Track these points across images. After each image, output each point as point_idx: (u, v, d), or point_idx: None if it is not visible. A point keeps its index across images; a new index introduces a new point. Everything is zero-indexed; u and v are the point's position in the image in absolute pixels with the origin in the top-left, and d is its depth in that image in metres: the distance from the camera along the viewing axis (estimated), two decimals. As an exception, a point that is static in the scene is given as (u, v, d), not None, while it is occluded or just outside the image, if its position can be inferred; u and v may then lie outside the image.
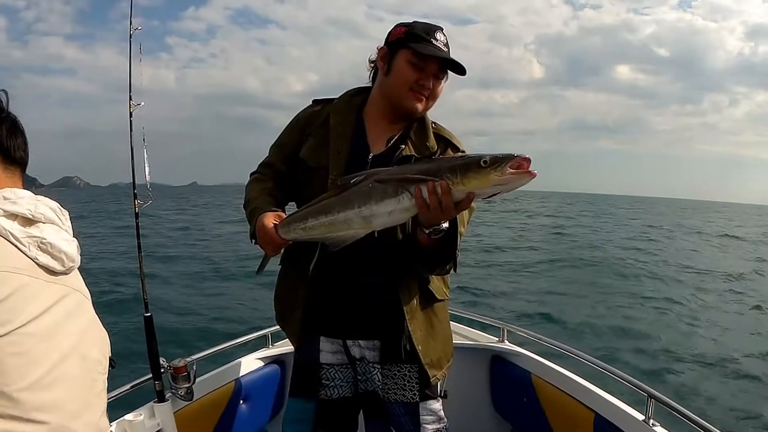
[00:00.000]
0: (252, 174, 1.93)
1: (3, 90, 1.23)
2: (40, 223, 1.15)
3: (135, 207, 2.01)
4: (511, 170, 1.34)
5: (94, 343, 1.25)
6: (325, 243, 1.60)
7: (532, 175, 1.35)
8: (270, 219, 1.69)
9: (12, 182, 1.21)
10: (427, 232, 1.53)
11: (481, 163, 1.36)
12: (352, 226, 1.53)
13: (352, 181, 1.54)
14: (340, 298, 1.78)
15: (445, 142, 1.82)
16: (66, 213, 1.25)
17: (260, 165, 1.93)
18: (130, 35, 1.93)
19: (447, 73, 1.76)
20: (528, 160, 1.35)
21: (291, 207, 1.87)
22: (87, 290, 1.30)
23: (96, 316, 1.30)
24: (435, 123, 1.85)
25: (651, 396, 2.01)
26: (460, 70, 1.72)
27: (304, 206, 1.68)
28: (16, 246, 1.09)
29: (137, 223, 2.03)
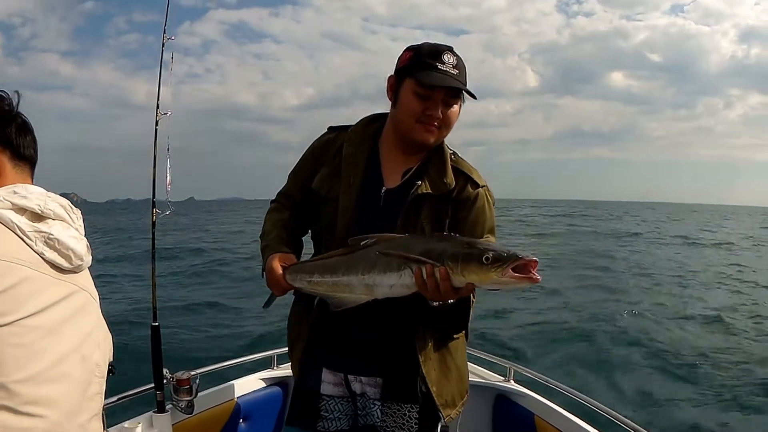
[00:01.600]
0: (272, 202, 1.92)
1: (16, 91, 1.27)
2: (50, 219, 1.16)
3: (152, 216, 2.03)
4: (513, 273, 1.32)
5: (97, 345, 1.25)
6: (326, 301, 1.61)
7: (534, 281, 1.32)
8: (278, 262, 1.68)
9: (22, 179, 1.24)
10: (433, 304, 1.52)
11: (483, 259, 1.35)
12: (355, 291, 1.54)
13: (362, 243, 1.54)
14: (342, 334, 1.75)
15: (465, 177, 1.72)
16: (78, 212, 1.27)
17: (278, 194, 1.91)
18: (163, 44, 1.97)
19: (460, 96, 1.68)
20: (533, 263, 1.32)
21: (307, 237, 1.88)
22: (95, 291, 1.31)
23: (102, 318, 1.31)
24: (454, 155, 1.76)
25: None
26: (468, 95, 1.66)
27: (314, 258, 1.69)
28: (22, 239, 1.11)
29: (153, 233, 2.05)
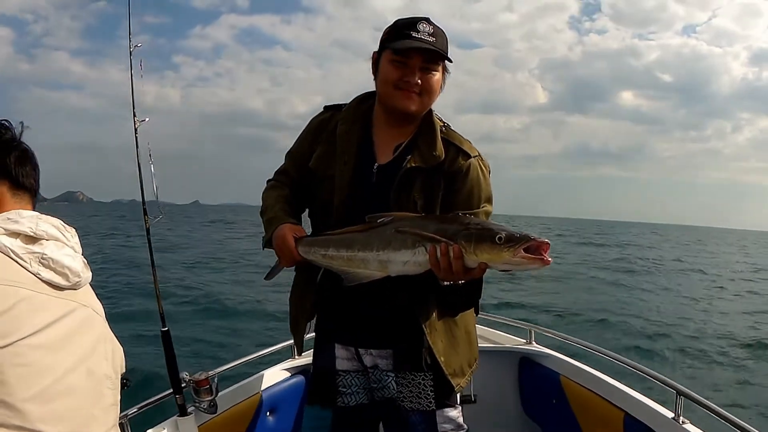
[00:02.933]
0: (268, 181, 1.93)
1: (20, 122, 1.30)
2: (43, 240, 1.17)
3: (145, 223, 2.02)
4: (525, 253, 1.34)
5: (105, 358, 1.26)
6: (340, 275, 1.62)
7: (546, 263, 1.34)
8: (289, 232, 1.69)
9: (20, 206, 1.25)
10: (444, 283, 1.54)
11: (496, 239, 1.37)
12: (369, 267, 1.57)
13: (378, 221, 1.57)
14: (350, 308, 1.76)
15: (455, 149, 1.72)
16: (72, 230, 1.28)
17: (276, 172, 1.92)
18: (131, 52, 1.95)
19: (441, 63, 1.68)
20: (545, 245, 1.34)
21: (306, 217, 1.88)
22: (99, 305, 1.32)
23: (109, 331, 1.32)
24: (445, 127, 1.77)
25: (680, 393, 1.96)
26: (441, 57, 1.65)
27: (328, 233, 1.69)
28: (17, 262, 1.12)
29: (149, 239, 2.04)
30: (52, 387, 1.08)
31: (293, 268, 1.86)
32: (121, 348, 1.37)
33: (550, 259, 1.35)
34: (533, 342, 2.86)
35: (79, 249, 1.28)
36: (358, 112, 1.80)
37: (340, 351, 1.82)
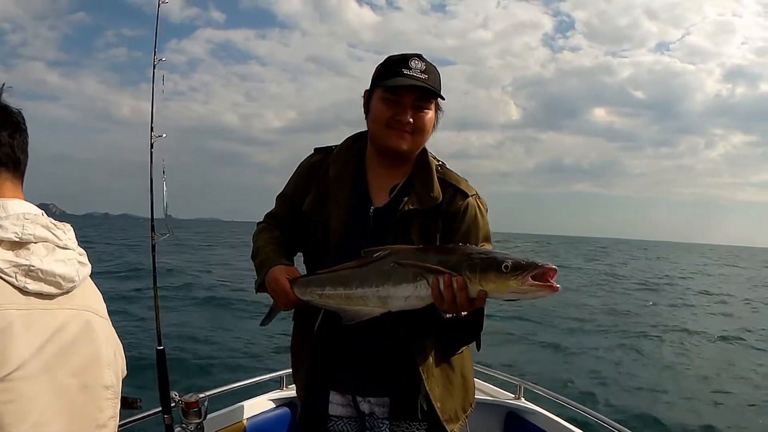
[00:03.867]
0: (259, 224, 1.89)
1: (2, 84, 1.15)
2: (31, 244, 1.05)
3: (152, 239, 2.02)
4: (532, 281, 1.30)
5: (107, 365, 1.17)
6: (339, 314, 1.57)
7: (554, 290, 1.30)
8: (283, 274, 1.66)
9: (15, 194, 1.14)
10: (446, 316, 1.50)
11: (502, 267, 1.32)
12: (368, 303, 1.51)
13: (374, 255, 1.52)
14: (349, 358, 1.72)
15: (452, 189, 1.69)
16: (66, 225, 1.15)
17: (267, 215, 1.89)
18: (154, 65, 1.97)
19: (433, 101, 1.65)
20: (553, 272, 1.30)
21: (298, 258, 1.85)
22: (99, 302, 1.22)
23: (112, 331, 1.23)
24: (441, 166, 1.74)
25: None
26: (434, 94, 1.62)
27: (324, 270, 1.64)
28: (0, 278, 1.00)
29: (153, 256, 2.04)
30: (43, 413, 1.00)
31: (291, 315, 1.84)
32: (122, 349, 1.27)
33: (558, 285, 1.30)
34: (522, 398, 2.81)
35: (74, 244, 1.15)
36: (350, 153, 1.76)
37: (335, 397, 1.76)
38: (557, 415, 2.63)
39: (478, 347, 1.67)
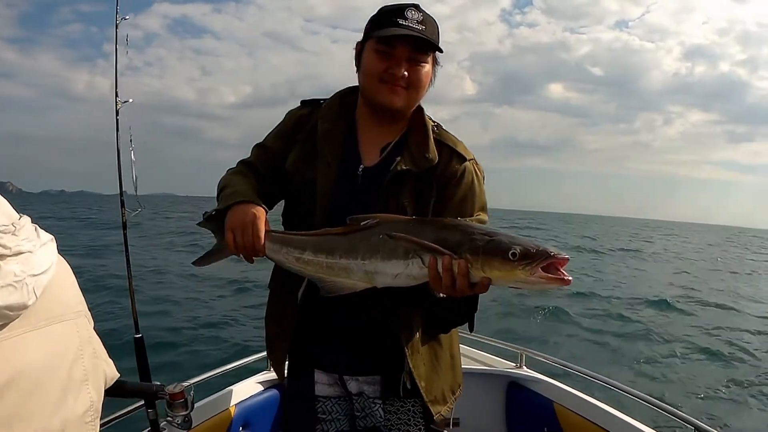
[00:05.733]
0: (229, 169, 1.68)
1: None
2: None
3: (122, 216, 1.81)
4: (542, 272, 1.18)
5: (83, 380, 0.96)
6: (317, 284, 1.43)
7: (565, 282, 1.19)
8: (263, 216, 1.46)
9: None
10: (439, 295, 1.37)
11: (509, 255, 1.20)
12: (352, 276, 1.38)
13: (362, 224, 1.38)
14: (334, 330, 1.59)
15: (449, 151, 1.57)
16: (19, 222, 0.91)
17: (240, 162, 1.69)
18: (117, 24, 1.75)
19: (430, 54, 1.53)
20: (564, 261, 1.19)
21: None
22: (74, 305, 0.99)
23: (90, 335, 1.02)
24: (437, 127, 1.61)
25: (699, 430, 1.88)
26: (431, 46, 1.50)
27: (303, 232, 1.47)
28: None
29: (125, 234, 1.83)
30: None
31: (267, 284, 1.67)
32: (103, 358, 1.06)
33: (569, 277, 1.19)
34: (524, 366, 2.73)
35: (32, 239, 0.91)
36: (340, 109, 1.63)
37: (320, 376, 1.64)
38: (561, 382, 2.56)
39: (471, 329, 1.54)
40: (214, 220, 1.52)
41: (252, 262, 1.48)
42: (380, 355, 1.57)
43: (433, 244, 1.26)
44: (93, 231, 24.97)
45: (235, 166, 1.69)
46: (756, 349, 8.64)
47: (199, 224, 1.58)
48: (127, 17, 1.78)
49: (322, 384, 1.64)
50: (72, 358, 0.94)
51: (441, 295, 1.36)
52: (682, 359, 7.84)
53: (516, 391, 2.67)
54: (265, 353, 2.56)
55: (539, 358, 2.73)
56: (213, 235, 1.58)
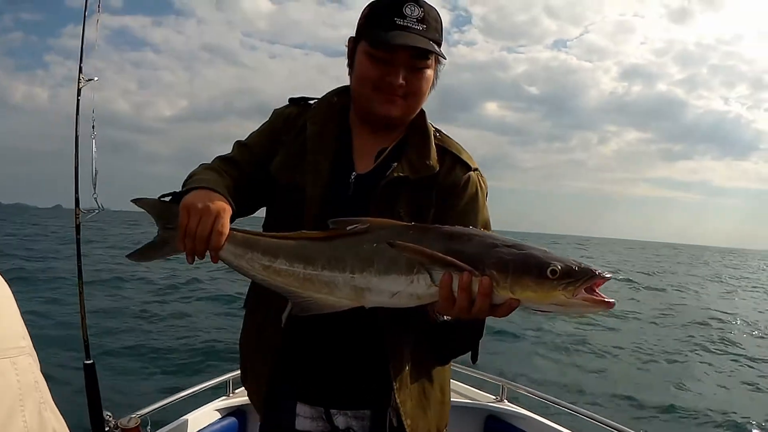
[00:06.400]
0: (202, 164, 1.43)
1: None
2: None
3: (76, 217, 1.50)
4: (586, 294, 1.00)
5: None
6: (289, 299, 1.18)
7: (609, 307, 1.02)
8: (229, 213, 1.21)
9: None
10: (443, 318, 1.18)
11: (548, 272, 1.00)
12: (336, 292, 1.14)
13: (348, 228, 1.15)
14: (321, 358, 1.38)
15: (452, 158, 1.41)
16: None
17: (218, 158, 1.46)
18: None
19: (432, 56, 1.34)
20: (605, 280, 1.03)
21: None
22: (12, 339, 0.74)
23: (38, 381, 0.76)
24: (440, 132, 1.46)
25: None
26: (432, 53, 1.32)
27: (273, 234, 1.24)
28: None
29: (78, 239, 1.52)
30: None
31: (242, 304, 1.46)
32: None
33: (613, 300, 1.02)
34: (504, 400, 2.57)
35: None
36: (332, 110, 1.46)
37: (302, 409, 1.42)
38: (544, 417, 2.43)
39: (474, 359, 1.35)
40: (161, 208, 1.25)
41: (192, 261, 1.19)
42: (371, 387, 1.37)
43: (449, 258, 1.04)
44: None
45: (210, 161, 1.44)
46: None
47: (134, 200, 1.29)
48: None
49: (304, 418, 1.41)
50: (6, 410, 0.67)
51: (445, 318, 1.17)
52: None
53: (496, 426, 2.52)
54: (223, 377, 2.39)
55: (522, 392, 2.60)
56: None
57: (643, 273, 26.72)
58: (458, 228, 1.17)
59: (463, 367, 2.71)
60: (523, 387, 2.63)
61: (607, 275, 1.02)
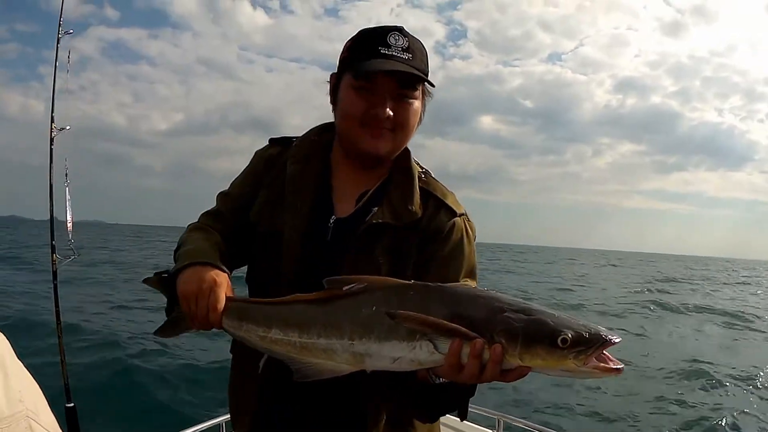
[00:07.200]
0: (190, 224, 1.43)
1: None
2: None
3: (53, 263, 1.49)
4: (597, 363, 0.98)
5: None
6: (289, 365, 1.15)
7: (617, 373, 1.00)
8: (225, 282, 1.21)
9: None
10: (439, 381, 1.13)
11: (559, 342, 0.98)
12: (335, 358, 1.11)
13: (345, 288, 1.12)
14: (299, 404, 1.32)
15: (436, 203, 1.35)
16: None
17: (203, 214, 1.44)
18: (58, 38, 1.48)
19: (420, 87, 1.30)
20: (614, 344, 1.01)
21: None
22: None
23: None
24: (426, 174, 1.40)
25: None
26: (420, 79, 1.27)
27: (268, 300, 1.21)
28: None
29: (55, 285, 1.51)
30: None
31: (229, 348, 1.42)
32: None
33: (621, 365, 0.99)
34: None
35: None
36: (313, 149, 1.41)
37: None
38: None
39: (464, 416, 1.27)
40: (168, 284, 1.25)
41: (209, 329, 1.22)
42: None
43: (456, 326, 1.01)
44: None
45: (197, 220, 1.43)
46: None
47: (144, 281, 1.31)
48: (71, 31, 1.53)
49: None
50: None
51: (441, 380, 1.12)
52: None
53: None
54: (216, 420, 2.38)
55: (518, 425, 2.58)
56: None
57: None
58: (461, 288, 1.15)
59: None
60: (520, 420, 2.60)
61: (616, 340, 1.00)
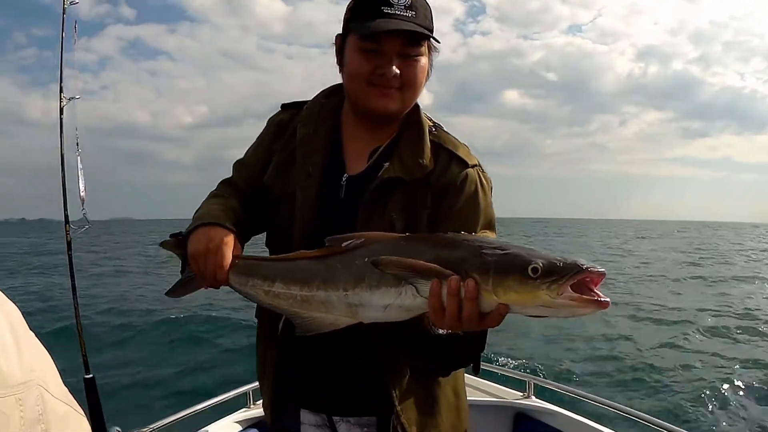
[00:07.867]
0: (210, 192, 1.48)
1: None
2: None
3: (66, 234, 1.52)
4: (572, 292, 0.93)
5: None
6: (293, 320, 1.20)
7: (602, 306, 0.94)
8: (231, 240, 1.26)
9: None
10: (438, 331, 1.14)
11: (529, 270, 0.95)
12: (333, 310, 1.16)
13: (344, 245, 1.15)
14: (319, 366, 1.35)
15: (448, 155, 1.35)
16: None
17: (221, 183, 1.50)
18: (63, 9, 1.50)
19: (425, 44, 1.30)
20: (597, 278, 0.95)
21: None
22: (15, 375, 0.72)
23: (46, 412, 0.73)
24: (436, 127, 1.41)
25: None
26: (424, 37, 1.28)
27: (274, 257, 1.29)
28: None
29: (70, 255, 1.54)
30: None
31: (254, 312, 1.45)
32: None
33: (607, 299, 0.94)
34: (532, 396, 2.51)
35: None
36: (323, 111, 1.43)
37: (306, 416, 1.40)
38: (573, 412, 2.34)
39: (477, 371, 1.29)
40: (182, 247, 1.31)
41: (218, 287, 1.27)
42: (371, 396, 1.32)
43: (429, 265, 1.03)
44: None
45: (215, 188, 1.47)
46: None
47: (161, 245, 1.38)
48: (77, 1, 1.54)
49: (309, 425, 1.39)
50: None
51: (441, 332, 1.12)
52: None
53: (524, 423, 2.45)
54: (243, 387, 2.41)
55: (549, 386, 2.54)
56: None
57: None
58: (452, 235, 1.13)
59: (487, 364, 2.64)
60: (551, 382, 2.59)
61: (598, 270, 0.94)
